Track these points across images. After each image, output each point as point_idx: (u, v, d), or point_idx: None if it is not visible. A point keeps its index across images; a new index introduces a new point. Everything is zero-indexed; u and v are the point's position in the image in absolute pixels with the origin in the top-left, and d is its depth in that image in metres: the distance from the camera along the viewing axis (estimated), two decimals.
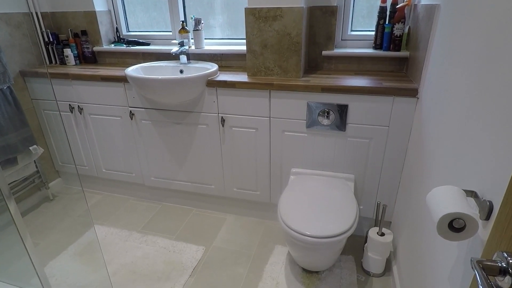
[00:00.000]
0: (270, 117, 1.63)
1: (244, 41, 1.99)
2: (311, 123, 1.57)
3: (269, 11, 1.51)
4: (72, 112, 2.01)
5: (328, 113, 1.53)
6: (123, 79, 1.78)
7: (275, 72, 1.62)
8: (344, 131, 1.54)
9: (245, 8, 1.54)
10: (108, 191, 2.27)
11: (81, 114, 2.00)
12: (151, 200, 2.17)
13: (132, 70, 1.77)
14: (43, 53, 2.14)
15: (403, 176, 1.51)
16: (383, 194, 1.62)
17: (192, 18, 1.91)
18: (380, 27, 1.68)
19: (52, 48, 2.15)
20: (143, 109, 1.83)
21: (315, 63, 1.81)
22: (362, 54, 1.70)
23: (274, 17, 1.51)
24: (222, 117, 1.70)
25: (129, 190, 2.20)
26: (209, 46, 2.01)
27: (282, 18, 1.50)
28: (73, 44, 2.13)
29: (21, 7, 1.98)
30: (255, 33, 1.57)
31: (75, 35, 2.15)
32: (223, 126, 1.72)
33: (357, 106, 1.48)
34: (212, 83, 1.63)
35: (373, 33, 1.75)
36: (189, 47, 1.96)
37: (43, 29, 2.11)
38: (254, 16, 1.54)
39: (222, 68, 1.91)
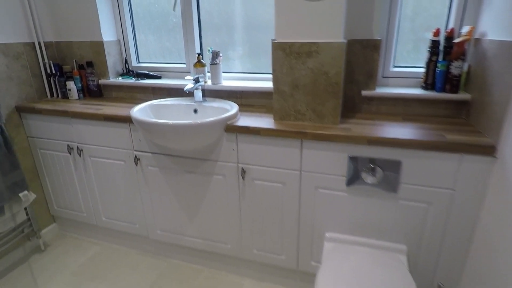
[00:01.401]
0: (301, 170, 1.34)
1: (268, 76, 1.74)
2: (353, 181, 1.28)
3: (302, 47, 1.26)
4: (70, 153, 1.77)
5: (374, 169, 1.24)
6: (128, 120, 1.54)
7: (308, 117, 1.35)
8: (395, 192, 1.24)
9: (273, 42, 1.30)
10: (108, 241, 1.99)
11: (80, 155, 1.75)
12: (156, 255, 1.87)
13: (139, 111, 1.53)
14: (44, 86, 1.94)
15: (473, 253, 1.19)
16: (443, 273, 1.29)
17: (209, 50, 1.68)
18: (432, 64, 1.41)
19: (54, 81, 1.94)
20: (150, 154, 1.58)
21: (352, 104, 1.54)
22: (411, 96, 1.42)
23: (308, 53, 1.26)
24: (242, 168, 1.42)
25: (132, 242, 1.91)
26: (227, 81, 1.77)
27: (319, 55, 1.25)
28: (77, 77, 1.92)
29: (22, 36, 1.79)
30: (284, 71, 1.31)
31: (80, 67, 1.95)
32: (243, 178, 1.44)
33: (413, 163, 1.18)
34: (231, 128, 1.36)
35: (421, 70, 1.49)
36: (205, 82, 1.73)
37: (46, 60, 1.92)
38: (284, 52, 1.29)
39: (242, 107, 1.66)
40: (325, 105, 1.31)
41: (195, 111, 1.63)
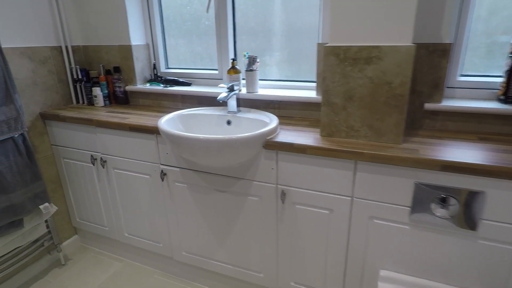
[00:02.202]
0: (352, 196, 1.14)
1: (309, 84, 1.55)
2: (419, 212, 1.05)
3: (360, 51, 1.06)
4: (94, 164, 1.66)
5: (447, 200, 1.01)
6: (155, 131, 1.39)
7: (362, 134, 1.14)
8: (474, 229, 1.00)
9: (324, 47, 1.11)
10: (130, 258, 1.85)
11: (104, 167, 1.63)
12: (180, 278, 1.71)
13: (167, 122, 1.38)
14: (70, 92, 1.85)
15: None
16: None
17: (245, 55, 1.51)
18: None
19: (80, 87, 1.85)
20: (178, 169, 1.42)
21: (412, 118, 1.31)
22: (487, 110, 1.18)
23: (367, 59, 1.06)
24: (282, 190, 1.23)
25: (155, 261, 1.76)
26: (263, 89, 1.60)
27: (381, 61, 1.04)
28: (103, 83, 1.82)
29: (49, 40, 1.70)
30: (336, 79, 1.12)
31: (107, 72, 1.85)
32: (282, 201, 1.25)
33: (499, 196, 0.95)
34: (271, 145, 1.18)
35: (495, 80, 1.25)
36: (240, 90, 1.56)
37: (72, 65, 1.83)
38: (338, 58, 1.09)
39: (280, 118, 1.48)
40: (385, 121, 1.10)
41: (229, 122, 1.46)
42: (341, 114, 1.15)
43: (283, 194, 1.24)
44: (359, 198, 1.13)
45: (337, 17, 1.08)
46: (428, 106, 1.25)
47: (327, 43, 1.12)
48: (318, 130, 1.29)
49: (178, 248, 1.60)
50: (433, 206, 1.03)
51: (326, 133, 1.20)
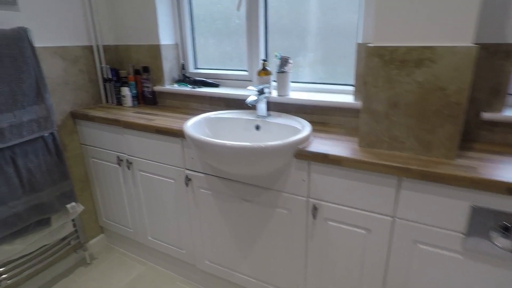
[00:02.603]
0: (394, 217, 1.01)
1: (345, 88, 1.43)
2: (474, 240, 0.91)
3: (410, 52, 0.93)
4: (120, 165, 1.64)
5: (510, 230, 0.86)
6: (181, 134, 1.34)
7: (408, 146, 1.01)
8: None
9: (366, 47, 0.98)
10: (154, 262, 1.82)
11: (129, 169, 1.60)
12: (203, 286, 1.65)
13: (193, 125, 1.32)
14: (100, 91, 1.85)
15: None
16: None
17: (277, 56, 1.42)
18: None
19: (110, 86, 1.84)
20: (203, 175, 1.36)
21: (466, 128, 1.15)
22: None
23: (418, 61, 0.92)
24: (314, 204, 1.13)
25: (178, 267, 1.72)
26: (295, 92, 1.49)
27: (434, 64, 0.91)
28: (132, 82, 1.80)
29: (81, 39, 1.71)
30: (380, 84, 0.99)
31: (136, 72, 1.83)
32: (314, 217, 1.14)
33: None
34: (304, 155, 1.08)
35: None
36: (270, 93, 1.47)
37: (103, 64, 1.82)
38: (382, 59, 0.97)
39: (313, 125, 1.37)
40: (436, 132, 0.96)
41: (257, 127, 1.37)
42: (384, 123, 1.02)
43: (315, 208, 1.13)
44: (402, 219, 0.99)
45: (383, 13, 0.95)
46: (487, 116, 1.08)
47: (369, 43, 1.00)
48: (356, 139, 1.17)
49: (201, 256, 1.54)
50: (493, 234, 0.88)
51: (365, 144, 1.08)
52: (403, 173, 0.93)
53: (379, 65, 0.98)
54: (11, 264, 1.49)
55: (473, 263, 0.93)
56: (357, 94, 1.29)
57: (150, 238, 1.71)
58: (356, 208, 1.06)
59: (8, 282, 1.49)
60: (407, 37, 0.93)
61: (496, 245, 0.89)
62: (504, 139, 1.10)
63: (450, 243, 0.94)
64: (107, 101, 1.88)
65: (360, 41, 1.24)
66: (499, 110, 1.09)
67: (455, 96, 0.90)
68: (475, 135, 1.14)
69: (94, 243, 1.93)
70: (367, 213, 1.04)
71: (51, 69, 1.60)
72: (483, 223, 0.88)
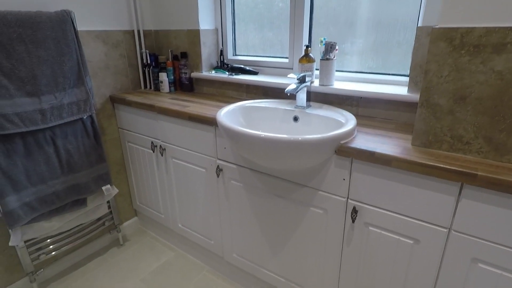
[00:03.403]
0: (450, 229, 0.86)
1: (398, 79, 1.27)
2: None
3: (488, 35, 0.77)
4: (154, 151, 1.63)
5: None
6: (214, 122, 1.28)
7: (475, 148, 0.85)
8: None
9: (433, 29, 0.84)
10: (183, 249, 1.81)
11: (162, 155, 1.59)
12: (230, 279, 1.61)
13: (227, 114, 1.25)
14: (139, 76, 1.85)
15: None
16: None
17: (322, 42, 1.29)
18: None
19: (149, 72, 1.84)
20: (235, 166, 1.29)
21: None
22: None
23: (498, 46, 0.76)
24: (354, 206, 1.01)
25: (206, 257, 1.69)
26: (340, 82, 1.36)
27: None
28: (170, 68, 1.77)
29: (123, 24, 1.71)
30: (445, 73, 0.84)
31: (175, 58, 1.80)
32: (353, 220, 1.03)
33: None
34: (346, 151, 0.96)
35: None
36: (312, 82, 1.35)
37: (143, 49, 1.82)
38: (451, 44, 0.82)
39: (358, 118, 1.24)
40: None
41: (296, 119, 1.27)
42: (446, 120, 0.87)
43: (355, 211, 1.01)
44: (460, 233, 0.85)
45: None
46: None
47: (433, 25, 0.85)
48: (408, 137, 1.02)
49: (229, 249, 1.49)
50: None
51: (421, 143, 0.93)
52: (466, 179, 0.78)
53: (446, 51, 0.83)
54: (49, 240, 1.55)
55: None
56: (412, 85, 1.14)
57: (180, 225, 1.69)
58: (403, 215, 0.93)
59: (46, 256, 1.55)
60: (485, 16, 0.77)
61: None
62: None
63: None
64: (145, 87, 1.88)
65: (421, 24, 1.08)
66: None
67: None
68: None
69: (128, 225, 1.97)
70: (416, 221, 0.91)
71: (93, 53, 1.62)
72: None
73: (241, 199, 1.33)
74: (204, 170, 1.43)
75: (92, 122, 1.54)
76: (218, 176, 1.37)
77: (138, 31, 1.78)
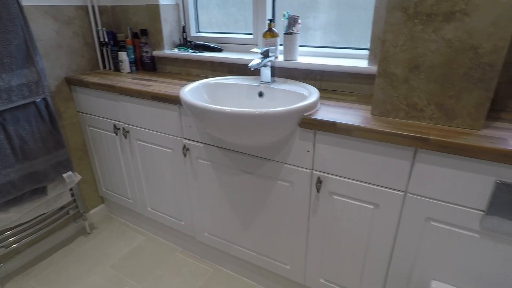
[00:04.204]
0: (406, 192, 0.92)
1: (360, 52, 1.30)
2: (496, 219, 0.82)
3: (439, 4, 0.80)
4: (117, 134, 1.57)
5: None
6: (178, 101, 1.24)
7: (428, 115, 0.90)
8: None
9: (388, 0, 0.85)
10: (153, 233, 1.79)
11: (126, 138, 1.53)
12: (202, 258, 1.62)
13: (191, 91, 1.22)
14: (97, 56, 1.75)
15: None
16: None
17: (285, 16, 1.28)
18: None
19: (107, 51, 1.74)
20: (202, 145, 1.28)
21: (495, 97, 1.03)
22: None
23: (448, 14, 0.79)
24: (318, 176, 1.04)
25: (177, 238, 1.68)
26: (304, 57, 1.37)
27: (467, 18, 0.78)
28: (130, 47, 1.69)
29: None
30: (400, 43, 0.87)
31: (134, 35, 1.71)
32: (318, 190, 1.06)
33: None
34: (309, 123, 0.98)
35: None
36: (276, 57, 1.35)
37: (99, 27, 1.71)
38: (406, 13, 0.84)
39: (322, 92, 1.26)
40: (462, 99, 0.84)
41: (261, 94, 1.27)
42: (402, 89, 0.91)
43: (319, 181, 1.05)
44: (415, 195, 0.91)
45: None
46: None
47: None
48: (368, 107, 1.06)
49: (200, 229, 1.49)
50: None
51: (379, 112, 0.97)
52: (420, 144, 0.83)
53: (401, 21, 0.85)
54: (9, 232, 1.47)
55: (491, 243, 0.85)
56: (372, 57, 1.17)
57: (149, 209, 1.67)
58: (364, 182, 0.97)
59: (6, 249, 1.47)
60: None
61: None
62: None
63: (467, 222, 0.86)
64: (104, 67, 1.78)
65: None
66: None
67: (489, 57, 0.78)
68: (505, 104, 1.02)
69: (95, 213, 1.91)
70: (376, 187, 0.96)
71: (43, 31, 1.50)
72: (508, 201, 0.79)
73: (210, 178, 1.33)
74: (170, 150, 1.40)
75: (47, 105, 1.44)
76: (185, 156, 1.35)
77: (93, 7, 1.67)
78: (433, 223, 0.91)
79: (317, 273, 1.22)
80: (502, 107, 1.02)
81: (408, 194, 0.92)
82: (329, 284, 1.21)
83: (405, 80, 0.90)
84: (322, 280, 1.22)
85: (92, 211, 1.89)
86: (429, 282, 0.99)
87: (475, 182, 0.81)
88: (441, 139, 0.80)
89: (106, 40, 1.71)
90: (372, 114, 0.99)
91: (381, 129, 0.87)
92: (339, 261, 1.14)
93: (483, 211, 0.83)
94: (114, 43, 1.72)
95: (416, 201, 0.91)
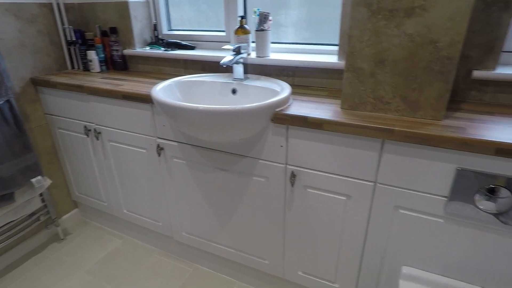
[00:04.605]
0: (376, 182, 0.95)
1: (331, 48, 1.33)
2: (458, 204, 0.86)
3: (400, 1, 0.83)
4: (88, 136, 1.52)
5: (497, 192, 0.81)
6: (150, 100, 1.22)
7: (393, 107, 0.94)
8: None
9: None
10: (130, 235, 1.76)
11: (98, 139, 1.49)
12: (181, 258, 1.61)
13: (163, 90, 1.20)
14: (64, 56, 1.69)
15: None
16: None
17: (255, 12, 1.29)
18: None
19: (75, 50, 1.68)
20: (176, 143, 1.27)
21: (455, 88, 1.08)
22: None
23: (409, 10, 0.83)
24: (292, 171, 1.06)
25: (155, 240, 1.66)
26: (276, 54, 1.38)
27: (426, 13, 0.81)
28: (99, 45, 1.64)
29: None
30: (365, 38, 0.90)
31: (104, 34, 1.66)
32: (292, 184, 1.08)
33: None
34: (281, 118, 1.00)
35: None
36: (248, 54, 1.35)
37: (65, 25, 1.65)
38: (369, 9, 0.87)
39: (294, 88, 1.27)
40: (424, 91, 0.88)
41: (234, 91, 1.27)
42: (368, 83, 0.94)
43: (293, 175, 1.06)
44: (384, 184, 0.94)
45: None
46: (478, 74, 1.01)
47: None
48: (339, 102, 1.08)
49: (178, 228, 1.48)
50: (477, 197, 0.84)
51: (348, 106, 1.00)
52: (386, 135, 0.86)
53: (365, 17, 0.88)
54: None
55: (454, 227, 0.89)
56: (341, 53, 1.19)
57: (125, 211, 1.63)
58: (336, 174, 1.00)
59: None
60: None
61: (479, 209, 0.84)
62: (495, 98, 1.04)
63: (431, 208, 0.90)
64: (72, 67, 1.72)
65: None
66: (492, 68, 1.01)
67: (448, 50, 0.82)
68: (464, 95, 1.07)
69: (68, 218, 1.84)
70: (347, 179, 0.98)
71: (4, 29, 1.42)
72: (468, 186, 0.84)
73: (185, 177, 1.32)
74: (144, 150, 1.38)
75: (11, 108, 1.38)
76: (159, 155, 1.33)
77: (58, 4, 1.60)
78: (401, 211, 0.95)
79: (295, 266, 1.24)
80: (463, 98, 1.08)
81: (378, 184, 0.95)
82: (307, 276, 1.23)
83: (372, 74, 0.93)
84: (300, 273, 1.24)
85: (65, 217, 1.83)
86: (400, 267, 1.03)
87: (438, 170, 0.85)
88: (405, 129, 0.84)
89: (74, 38, 1.66)
90: (341, 108, 1.01)
91: (349, 122, 0.89)
92: (315, 253, 1.16)
93: (446, 197, 0.88)
94: (82, 42, 1.66)
95: (385, 190, 0.95)
